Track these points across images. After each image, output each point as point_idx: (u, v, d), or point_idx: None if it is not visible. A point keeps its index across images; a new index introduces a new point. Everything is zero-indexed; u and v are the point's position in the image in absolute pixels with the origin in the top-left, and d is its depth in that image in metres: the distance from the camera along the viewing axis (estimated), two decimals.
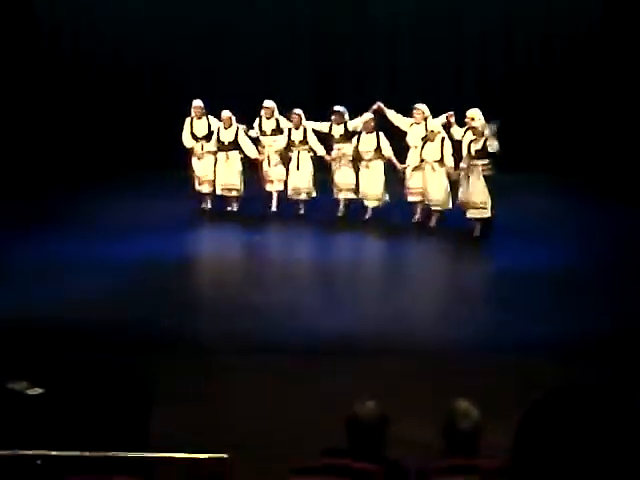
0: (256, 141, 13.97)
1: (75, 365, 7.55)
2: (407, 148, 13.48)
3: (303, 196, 13.90)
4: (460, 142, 12.90)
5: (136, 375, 7.08)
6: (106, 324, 9.38)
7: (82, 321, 9.46)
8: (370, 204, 13.59)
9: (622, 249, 12.03)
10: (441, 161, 12.98)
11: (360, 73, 16.40)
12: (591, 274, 11.07)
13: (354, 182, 13.65)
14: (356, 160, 13.57)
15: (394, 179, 13.52)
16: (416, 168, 13.24)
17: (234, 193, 13.99)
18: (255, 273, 11.83)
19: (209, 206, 14.22)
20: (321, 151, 13.70)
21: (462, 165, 12.75)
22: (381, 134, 13.39)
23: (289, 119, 13.83)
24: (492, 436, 4.55)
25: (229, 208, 14.08)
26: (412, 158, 13.35)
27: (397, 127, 13.57)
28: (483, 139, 12.52)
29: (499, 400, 6.75)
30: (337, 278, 11.64)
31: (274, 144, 13.89)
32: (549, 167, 15.59)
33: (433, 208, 13.23)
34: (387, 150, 13.36)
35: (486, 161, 12.52)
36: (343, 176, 13.70)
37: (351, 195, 13.74)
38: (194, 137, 14.03)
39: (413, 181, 13.34)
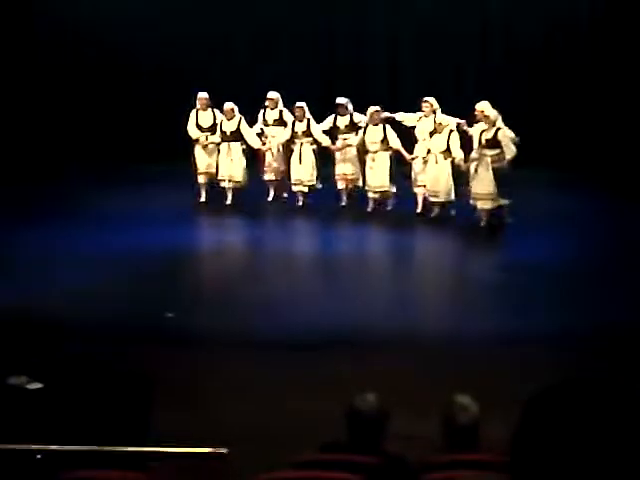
0: (259, 132, 14.04)
1: (74, 359, 7.55)
2: (414, 141, 13.48)
3: (305, 188, 13.91)
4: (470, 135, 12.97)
5: (135, 369, 7.08)
6: (105, 317, 9.38)
7: (81, 314, 9.46)
8: (375, 196, 13.59)
9: (627, 244, 11.98)
10: (446, 152, 12.97)
11: (360, 73, 16.38)
12: (595, 268, 11.04)
13: (357, 172, 13.67)
14: (362, 152, 13.58)
15: (400, 171, 13.48)
16: (424, 160, 13.23)
17: (235, 185, 14.02)
18: (256, 266, 11.84)
19: (208, 198, 14.24)
20: (326, 141, 13.73)
21: (473, 155, 12.75)
22: (388, 126, 13.40)
23: (293, 113, 13.87)
24: (491, 430, 4.55)
25: (230, 199, 14.10)
26: (420, 150, 13.34)
27: (403, 124, 13.61)
28: (494, 129, 12.54)
29: (498, 394, 6.74)
30: (339, 270, 11.63)
31: (278, 136, 13.93)
32: (550, 163, 15.55)
33: (435, 199, 13.20)
34: (395, 142, 13.36)
35: (496, 151, 12.52)
36: (346, 166, 13.73)
37: (352, 185, 13.76)
38: (199, 128, 14.07)
39: (420, 173, 13.33)
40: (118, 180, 15.02)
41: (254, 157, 14.14)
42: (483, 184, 12.60)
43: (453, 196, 13.10)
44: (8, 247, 11.67)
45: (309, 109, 13.89)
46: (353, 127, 13.64)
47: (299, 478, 4.49)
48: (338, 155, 13.79)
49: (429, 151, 13.15)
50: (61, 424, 5.69)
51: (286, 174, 14.05)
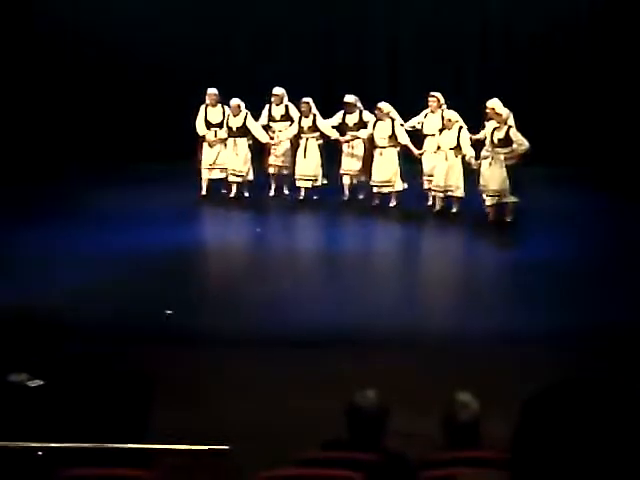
0: (266, 127, 14.09)
1: (75, 358, 7.55)
2: (422, 137, 13.46)
3: (309, 183, 13.93)
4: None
5: (135, 368, 7.09)
6: (106, 316, 9.38)
7: (82, 313, 9.46)
8: (382, 190, 13.57)
9: (627, 244, 11.94)
10: (456, 149, 12.95)
11: (360, 73, 16.36)
12: (595, 268, 11.02)
13: (362, 169, 13.67)
14: (370, 147, 13.57)
15: (409, 166, 13.48)
16: (433, 155, 13.22)
17: (241, 179, 14.08)
18: (257, 263, 11.83)
19: (210, 192, 14.29)
20: (335, 134, 13.75)
21: (484, 153, 12.74)
22: (396, 122, 13.38)
23: (298, 108, 13.92)
24: (492, 428, 4.56)
25: (235, 194, 14.17)
26: (428, 145, 13.32)
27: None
28: (506, 127, 12.53)
29: (499, 392, 6.74)
30: (341, 267, 11.61)
31: (285, 132, 13.96)
32: (550, 161, 15.52)
33: (449, 194, 13.16)
34: (403, 137, 13.35)
35: (508, 149, 12.51)
36: (352, 162, 13.74)
37: (357, 180, 13.76)
38: (207, 124, 14.13)
39: (429, 168, 13.31)
40: (118, 179, 15.01)
41: (262, 152, 14.18)
42: (498, 181, 12.55)
43: (463, 192, 13.03)
44: (9, 247, 11.66)
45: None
46: (362, 125, 13.66)
47: (300, 475, 4.49)
48: (345, 150, 13.80)
49: (439, 147, 13.13)
50: (62, 421, 5.70)
51: (292, 169, 14.09)
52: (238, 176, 14.05)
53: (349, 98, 13.76)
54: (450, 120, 12.99)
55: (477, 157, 12.81)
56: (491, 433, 4.54)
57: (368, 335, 9.01)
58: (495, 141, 12.57)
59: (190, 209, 13.78)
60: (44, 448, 4.96)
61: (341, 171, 13.89)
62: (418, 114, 13.65)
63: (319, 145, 13.88)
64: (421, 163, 13.40)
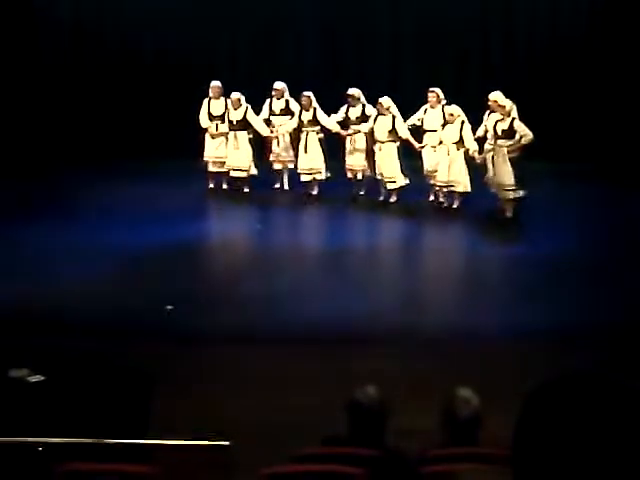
0: (266, 121, 14.12)
1: (76, 354, 7.55)
2: (422, 132, 13.44)
3: (312, 177, 13.93)
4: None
5: (135, 364, 7.09)
6: (106, 313, 9.37)
7: (82, 309, 9.46)
8: (386, 186, 13.57)
9: (628, 242, 11.91)
10: (459, 143, 12.93)
11: (360, 72, 16.34)
12: (599, 263, 10.98)
13: (366, 164, 13.67)
14: (371, 142, 13.57)
15: (412, 161, 13.47)
16: (434, 151, 13.21)
17: (243, 174, 14.12)
18: (260, 259, 11.80)
19: (217, 186, 14.33)
20: (336, 127, 13.76)
21: (487, 147, 12.72)
22: (397, 116, 13.38)
23: (299, 102, 13.94)
24: (493, 424, 4.55)
25: (238, 188, 14.19)
26: (429, 140, 13.30)
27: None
28: (510, 119, 12.51)
29: (500, 388, 6.74)
30: (343, 263, 11.57)
31: (285, 125, 13.98)
32: (550, 157, 15.51)
33: (453, 189, 13.15)
34: (404, 131, 13.34)
35: (512, 142, 12.49)
36: (355, 158, 13.75)
37: (361, 175, 13.76)
38: (210, 116, 14.18)
39: (431, 164, 13.31)
40: (119, 176, 14.99)
41: (262, 146, 14.20)
42: (506, 176, 12.53)
43: (469, 186, 12.99)
44: (9, 243, 11.66)
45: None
46: (365, 119, 13.66)
47: (300, 471, 4.49)
48: (348, 146, 13.80)
49: (441, 142, 13.12)
50: (63, 417, 5.70)
51: (294, 163, 14.09)
52: (242, 171, 14.08)
53: (353, 91, 13.78)
54: (452, 114, 12.97)
55: (480, 151, 12.79)
56: (492, 429, 4.53)
57: (369, 332, 9.01)
58: (499, 132, 12.53)
59: (192, 205, 13.76)
60: (45, 443, 4.96)
61: (346, 167, 13.89)
62: (418, 110, 13.63)
63: (320, 139, 13.89)
64: (421, 158, 13.39)
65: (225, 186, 14.33)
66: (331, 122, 13.76)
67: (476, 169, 12.92)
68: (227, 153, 14.12)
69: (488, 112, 12.92)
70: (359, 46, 16.68)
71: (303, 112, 13.85)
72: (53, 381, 6.34)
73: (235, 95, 14.02)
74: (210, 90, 14.26)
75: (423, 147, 13.30)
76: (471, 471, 4.16)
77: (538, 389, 1.58)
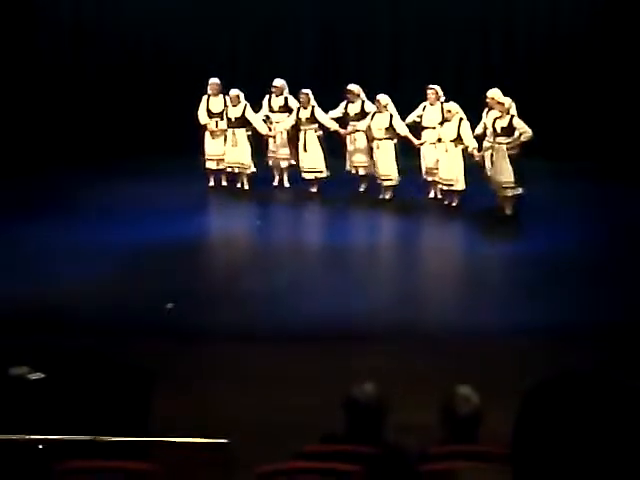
0: (265, 118, 14.12)
1: (76, 351, 7.55)
2: (421, 129, 13.42)
3: (314, 176, 13.93)
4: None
5: (136, 362, 7.10)
6: (107, 310, 9.38)
7: (84, 308, 9.46)
8: (384, 183, 13.57)
9: (628, 241, 11.89)
10: (457, 140, 12.93)
11: (360, 71, 16.33)
12: (598, 262, 10.97)
13: (368, 161, 13.67)
14: (369, 139, 13.56)
15: (410, 158, 13.46)
16: (433, 148, 13.20)
17: (242, 171, 14.12)
18: (260, 256, 11.80)
19: (217, 184, 14.33)
20: (334, 126, 13.74)
21: (485, 144, 12.71)
22: (394, 114, 13.37)
23: (298, 99, 13.94)
24: (492, 421, 4.56)
25: (238, 185, 14.20)
26: (427, 137, 13.30)
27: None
28: (509, 116, 12.50)
29: (500, 386, 6.75)
30: (343, 261, 11.57)
31: (282, 122, 13.99)
32: (550, 155, 15.51)
33: (450, 188, 13.14)
34: (402, 128, 13.33)
35: (511, 139, 12.48)
36: (357, 156, 13.75)
37: (364, 172, 13.75)
38: (209, 114, 14.19)
39: (429, 160, 13.29)
40: (119, 175, 14.97)
41: (261, 143, 14.20)
42: (505, 174, 12.53)
43: (464, 184, 12.98)
44: (9, 242, 11.66)
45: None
46: (364, 115, 13.64)
47: (300, 469, 4.50)
48: (349, 146, 13.80)
49: (440, 139, 13.11)
50: (63, 414, 5.71)
51: (295, 160, 14.08)
52: (241, 167, 14.09)
53: (352, 87, 13.77)
54: (450, 111, 12.96)
55: (480, 149, 12.79)
56: (491, 427, 4.54)
57: (368, 329, 9.01)
58: (498, 130, 12.52)
59: (193, 203, 13.75)
60: (45, 441, 4.96)
61: (351, 164, 13.88)
62: (417, 107, 13.62)
63: (318, 137, 13.88)
64: (420, 156, 13.39)
65: (225, 183, 14.35)
66: (329, 120, 13.75)
67: (473, 167, 12.91)
68: (226, 150, 14.13)
69: (487, 109, 12.92)
70: (359, 45, 16.66)
71: (301, 110, 13.83)
72: (53, 379, 6.34)
73: (234, 92, 13.99)
74: (209, 87, 14.24)
75: (422, 144, 13.30)
76: (471, 469, 4.17)
77: (537, 387, 1.59)
